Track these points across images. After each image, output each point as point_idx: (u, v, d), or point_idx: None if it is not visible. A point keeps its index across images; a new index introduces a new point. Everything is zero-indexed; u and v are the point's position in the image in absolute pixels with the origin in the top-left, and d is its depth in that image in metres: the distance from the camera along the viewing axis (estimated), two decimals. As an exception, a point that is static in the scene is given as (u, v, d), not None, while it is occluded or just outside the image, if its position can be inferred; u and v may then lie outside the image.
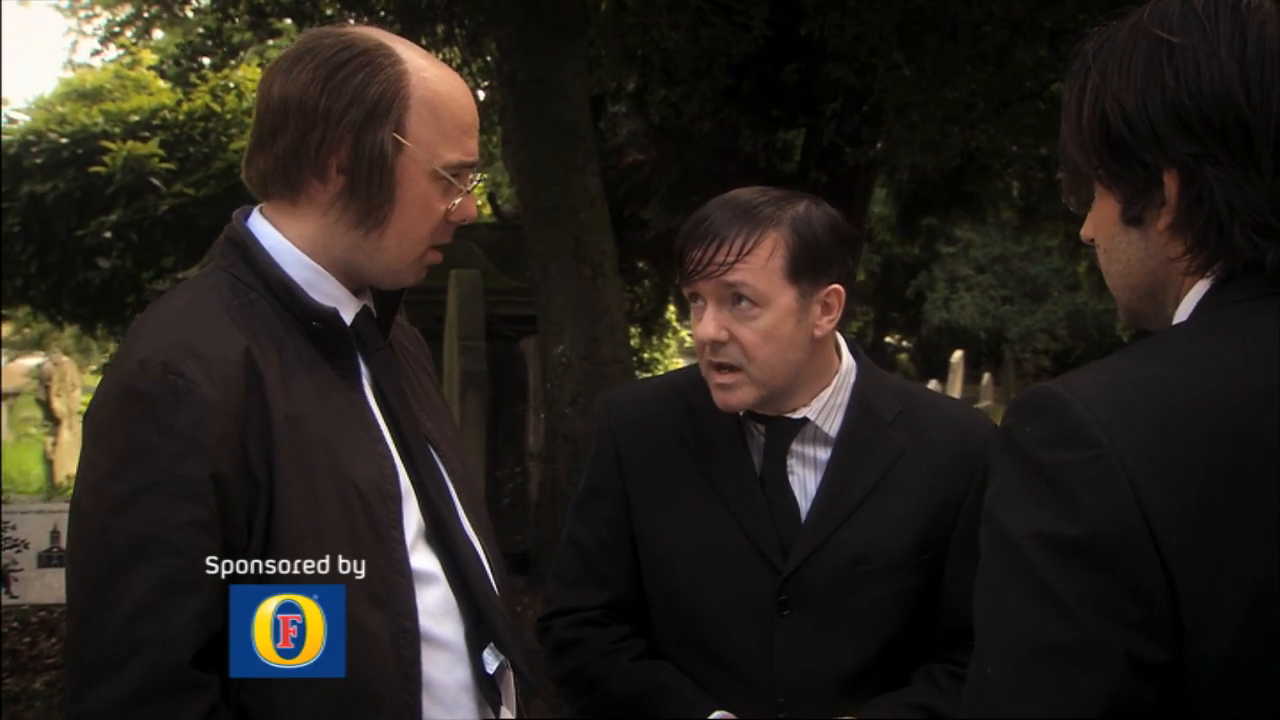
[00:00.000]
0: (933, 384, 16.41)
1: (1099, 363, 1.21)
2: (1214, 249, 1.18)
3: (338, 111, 1.61)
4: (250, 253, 1.66)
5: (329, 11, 7.78)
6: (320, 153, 1.62)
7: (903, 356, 27.99)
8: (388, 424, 1.71)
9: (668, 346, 19.95)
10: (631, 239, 11.72)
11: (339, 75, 1.61)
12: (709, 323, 1.88)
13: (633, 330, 14.10)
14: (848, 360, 2.04)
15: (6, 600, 6.19)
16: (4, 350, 21.31)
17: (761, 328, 1.87)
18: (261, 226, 1.69)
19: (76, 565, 1.52)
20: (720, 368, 1.91)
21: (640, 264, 13.45)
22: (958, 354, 16.79)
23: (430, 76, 1.67)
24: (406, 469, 1.70)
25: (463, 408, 4.90)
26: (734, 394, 1.91)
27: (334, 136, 1.61)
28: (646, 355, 15.63)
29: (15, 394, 18.04)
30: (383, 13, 7.97)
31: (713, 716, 1.92)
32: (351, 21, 7.87)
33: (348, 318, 1.69)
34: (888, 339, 27.05)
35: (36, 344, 22.11)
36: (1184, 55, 1.16)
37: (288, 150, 1.63)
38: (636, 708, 1.97)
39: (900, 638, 1.96)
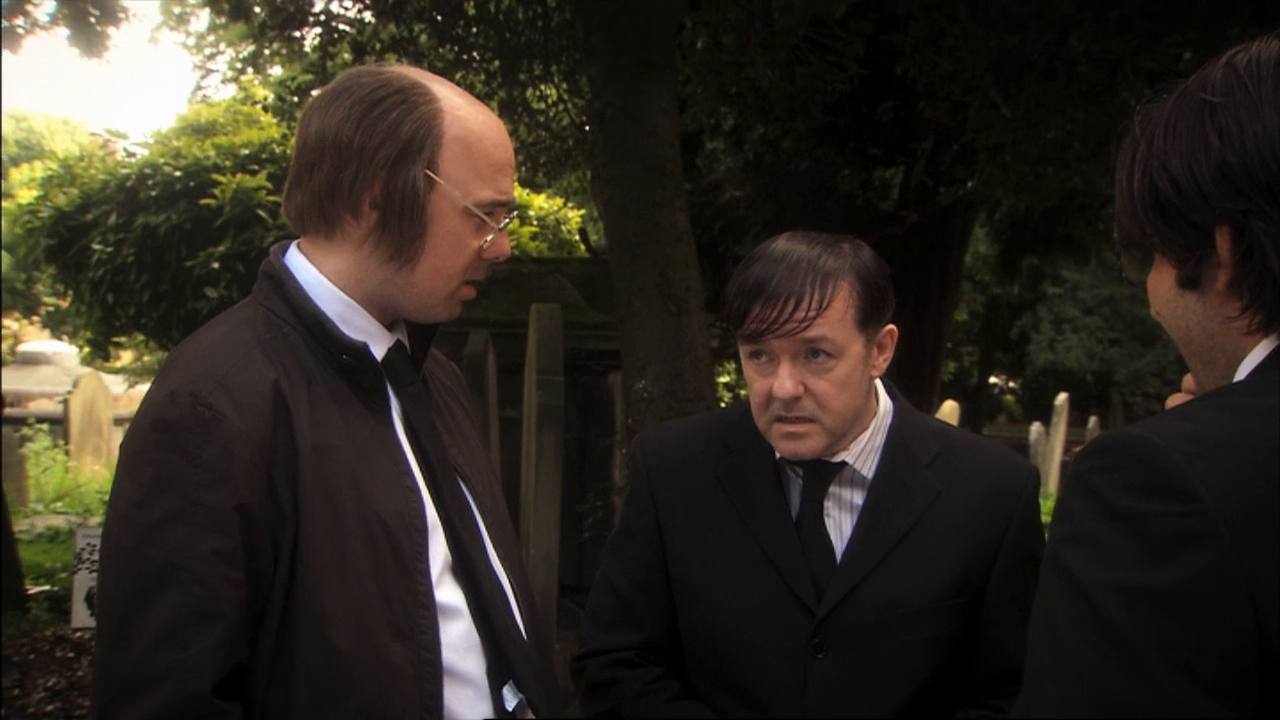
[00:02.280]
0: (1035, 426, 16.06)
1: (1179, 410, 1.16)
2: (1270, 305, 1.15)
3: (371, 148, 1.63)
4: (285, 287, 1.69)
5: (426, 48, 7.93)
6: (354, 189, 1.65)
7: (1009, 398, 27.54)
8: (417, 457, 1.73)
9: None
10: (728, 275, 11.72)
11: (374, 113, 1.64)
12: (787, 380, 1.85)
13: (728, 366, 14.04)
14: (885, 402, 2.02)
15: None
16: (124, 377, 21.95)
17: (837, 378, 1.86)
18: (297, 261, 1.72)
19: (105, 592, 1.55)
20: (790, 418, 1.89)
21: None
22: (1062, 396, 16.39)
23: (465, 115, 1.69)
24: (434, 503, 1.71)
25: (539, 442, 4.91)
26: (805, 442, 1.90)
27: (367, 173, 1.64)
28: (744, 392, 15.55)
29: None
30: (481, 50, 8.10)
31: None
32: (450, 58, 8.01)
33: (380, 352, 1.72)
34: (993, 379, 26.65)
35: (154, 371, 22.70)
36: (1227, 115, 1.15)
37: (323, 186, 1.66)
38: None
39: (936, 682, 1.92)
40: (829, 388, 1.86)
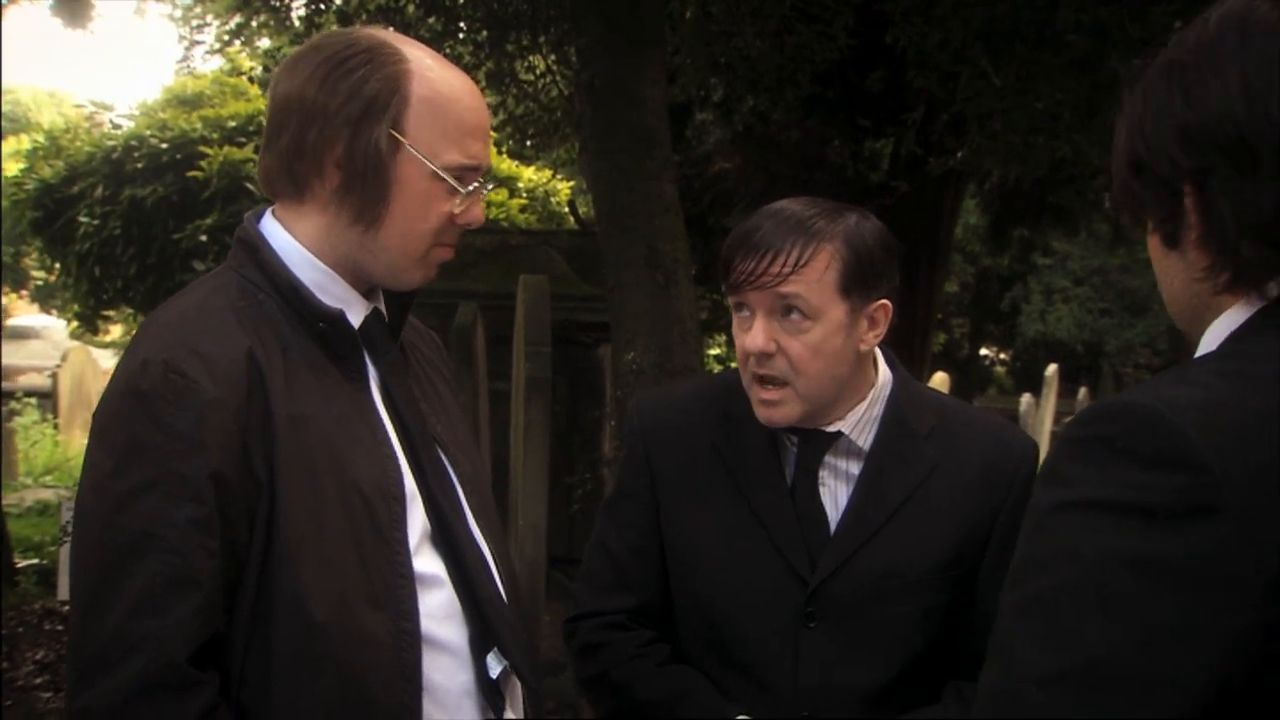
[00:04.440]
0: (1026, 398, 16.06)
1: (1181, 375, 1.14)
2: (1235, 265, 1.14)
3: (334, 107, 1.61)
4: (259, 253, 1.67)
5: (415, 18, 7.86)
6: (318, 149, 1.62)
7: (999, 370, 27.56)
8: (395, 426, 1.71)
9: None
10: (717, 247, 11.70)
11: (338, 71, 1.62)
12: (758, 334, 1.85)
13: (717, 338, 14.04)
14: (884, 373, 2.01)
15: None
16: (113, 351, 21.88)
17: (811, 341, 1.85)
18: (272, 227, 1.70)
19: (79, 562, 1.54)
20: (765, 382, 1.88)
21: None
22: (1052, 367, 16.37)
23: (434, 76, 1.66)
24: (413, 471, 1.70)
25: (527, 414, 4.90)
26: (778, 410, 1.89)
27: (330, 133, 1.61)
28: (733, 363, 15.52)
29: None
30: (469, 20, 8.05)
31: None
32: (436, 27, 7.96)
33: (356, 320, 1.70)
34: (984, 351, 26.67)
35: (142, 344, 22.53)
36: (1192, 74, 1.15)
37: (289, 147, 1.64)
38: (661, 712, 1.96)
39: (929, 653, 1.92)
40: (802, 350, 1.85)
